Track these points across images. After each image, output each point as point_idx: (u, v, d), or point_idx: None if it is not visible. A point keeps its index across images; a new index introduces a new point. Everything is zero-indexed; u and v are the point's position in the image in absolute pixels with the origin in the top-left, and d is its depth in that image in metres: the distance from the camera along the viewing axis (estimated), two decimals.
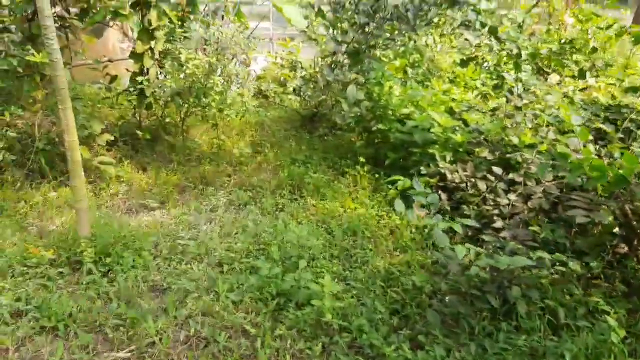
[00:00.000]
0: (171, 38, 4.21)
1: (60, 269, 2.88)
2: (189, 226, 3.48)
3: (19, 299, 2.61)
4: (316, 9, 5.08)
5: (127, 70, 4.87)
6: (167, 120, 4.79)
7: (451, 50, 5.54)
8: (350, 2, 3.29)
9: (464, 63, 5.55)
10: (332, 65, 3.99)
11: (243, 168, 4.28)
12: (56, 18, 4.31)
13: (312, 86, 4.38)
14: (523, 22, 5.68)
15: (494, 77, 5.47)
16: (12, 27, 4.28)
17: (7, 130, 3.93)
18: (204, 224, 3.51)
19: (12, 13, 4.22)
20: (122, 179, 4.11)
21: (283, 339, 2.39)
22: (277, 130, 4.97)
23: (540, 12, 6.15)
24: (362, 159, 3.87)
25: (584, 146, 2.48)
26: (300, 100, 5.47)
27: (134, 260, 2.93)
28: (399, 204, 2.85)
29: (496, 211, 2.84)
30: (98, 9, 3.91)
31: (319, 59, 4.70)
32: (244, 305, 2.59)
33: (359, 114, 3.70)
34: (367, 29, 3.31)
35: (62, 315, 2.49)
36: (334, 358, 2.27)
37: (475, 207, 2.95)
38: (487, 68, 5.60)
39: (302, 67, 5.09)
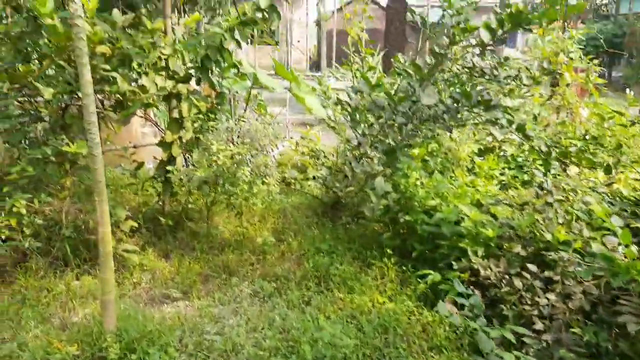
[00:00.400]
0: (200, 128, 4.34)
1: None
2: (213, 319, 3.40)
3: None
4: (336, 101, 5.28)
5: (154, 157, 4.98)
6: (190, 207, 4.82)
7: (469, 139, 5.64)
8: (388, 104, 3.39)
9: (482, 153, 5.64)
10: (357, 157, 4.05)
11: (267, 257, 4.24)
12: None
13: (337, 176, 4.43)
14: (539, 114, 5.83)
15: (511, 166, 5.54)
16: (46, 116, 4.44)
17: (34, 218, 3.96)
18: (229, 317, 3.43)
19: (48, 103, 4.38)
20: (145, 267, 4.08)
21: None
22: (299, 218, 4.97)
23: (553, 104, 6.31)
24: (389, 251, 3.84)
25: (627, 246, 2.45)
26: (321, 187, 5.53)
27: (159, 358, 2.84)
28: (443, 307, 2.78)
29: (535, 311, 2.76)
30: (132, 101, 4.05)
31: (343, 149, 4.79)
32: None
33: (386, 205, 3.70)
34: (404, 130, 3.39)
35: None
36: None
37: (514, 307, 2.88)
38: (505, 157, 5.67)
39: (325, 156, 5.18)
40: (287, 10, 24.59)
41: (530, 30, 2.92)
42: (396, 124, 3.57)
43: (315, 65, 26.86)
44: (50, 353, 2.85)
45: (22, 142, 4.38)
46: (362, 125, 4.10)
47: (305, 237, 4.52)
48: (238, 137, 4.21)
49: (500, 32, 2.92)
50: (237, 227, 4.60)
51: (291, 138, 6.14)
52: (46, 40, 3.76)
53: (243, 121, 4.14)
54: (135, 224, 4.34)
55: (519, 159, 5.49)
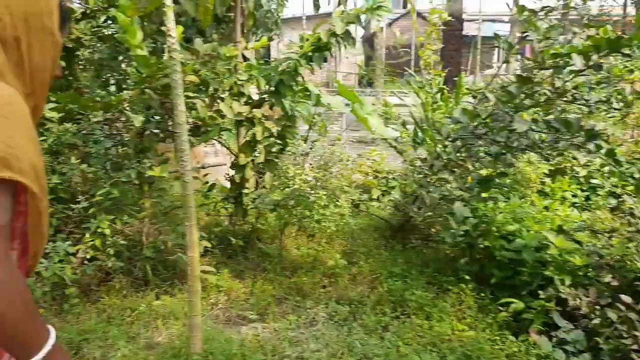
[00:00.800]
0: (272, 151, 4.43)
1: None
2: (292, 343, 3.42)
3: None
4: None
5: (225, 177, 5.12)
6: (261, 227, 4.91)
7: (539, 159, 5.51)
8: (485, 134, 3.37)
9: (553, 174, 5.50)
10: (433, 180, 4.03)
11: (338, 280, 4.25)
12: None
13: (408, 198, 4.42)
14: (612, 134, 5.64)
15: (584, 187, 5.36)
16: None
17: (117, 238, 4.12)
18: (307, 341, 3.45)
19: (129, 129, 4.58)
20: (220, 288, 4.16)
21: None
22: (367, 240, 4.97)
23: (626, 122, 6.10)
24: (466, 277, 3.78)
25: None
26: (387, 209, 5.51)
27: None
28: (545, 343, 2.71)
29: (635, 346, 2.64)
30: (210, 126, 4.18)
31: (412, 170, 4.77)
32: None
33: (464, 230, 3.66)
34: (501, 158, 3.35)
35: None
36: None
37: (609, 341, 2.77)
38: (576, 178, 5.51)
39: (394, 178, 5.18)
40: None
41: (629, 56, 2.83)
42: (478, 150, 3.54)
43: (363, 81, 26.93)
44: None
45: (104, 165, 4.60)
46: (438, 146, 4.07)
47: (376, 260, 4.51)
48: (309, 158, 4.26)
49: (595, 57, 2.85)
50: (308, 249, 4.64)
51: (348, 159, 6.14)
52: (134, 70, 3.94)
53: (316, 144, 4.19)
54: (209, 244, 4.45)
55: (594, 181, 5.32)
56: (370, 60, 26.55)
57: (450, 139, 3.70)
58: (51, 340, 0.99)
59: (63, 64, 4.64)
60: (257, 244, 4.85)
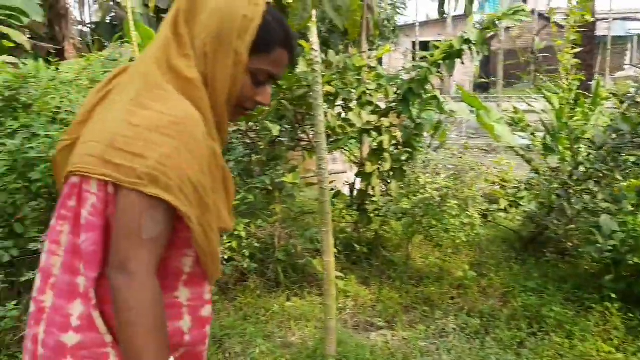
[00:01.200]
0: (400, 159, 4.44)
1: None
2: (423, 353, 3.40)
3: None
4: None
5: (344, 183, 5.22)
6: (386, 235, 4.94)
7: None
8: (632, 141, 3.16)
9: None
10: (570, 190, 3.81)
11: (467, 292, 4.15)
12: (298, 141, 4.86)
13: (545, 211, 4.21)
14: None
15: None
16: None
17: (252, 241, 4.36)
18: (438, 352, 3.41)
19: (261, 138, 4.84)
20: (348, 293, 4.24)
21: None
22: (496, 252, 4.80)
23: None
24: (612, 295, 3.51)
25: None
26: (516, 220, 5.29)
27: None
28: None
29: None
30: (338, 135, 4.29)
31: (546, 180, 4.54)
32: None
33: (612, 246, 3.41)
34: None
35: None
36: None
37: None
38: None
39: (525, 188, 4.96)
40: (451, 29, 24.29)
41: None
42: (627, 159, 3.29)
43: (479, 87, 26.03)
44: None
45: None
46: (581, 155, 3.84)
47: (507, 273, 4.34)
48: (437, 166, 4.22)
49: None
50: (435, 258, 4.58)
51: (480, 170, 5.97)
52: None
53: (447, 154, 4.15)
54: (335, 250, 4.56)
55: None
56: (487, 65, 25.65)
57: (600, 149, 3.46)
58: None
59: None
60: (381, 251, 4.88)
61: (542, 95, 6.15)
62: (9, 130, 3.24)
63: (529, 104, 6.65)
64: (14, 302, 2.77)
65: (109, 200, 1.04)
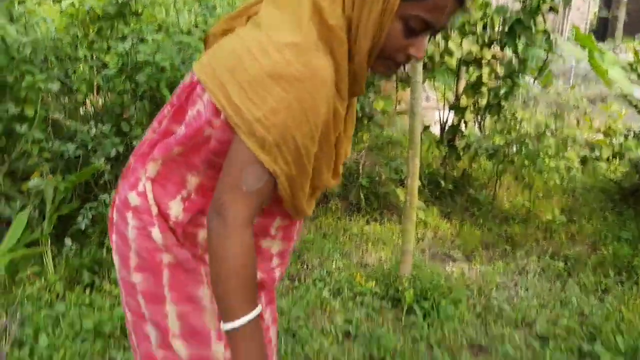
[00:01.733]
0: (498, 94, 4.24)
1: (382, 302, 3.05)
2: (499, 287, 3.36)
3: (350, 322, 2.82)
4: None
5: (435, 122, 5.09)
6: (473, 173, 4.82)
7: None
8: None
9: None
10: None
11: (554, 236, 4.00)
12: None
13: None
14: None
15: None
16: None
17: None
18: (515, 287, 3.36)
19: None
20: (428, 225, 4.24)
21: None
22: (592, 200, 4.55)
23: None
24: None
25: None
26: (616, 171, 4.94)
27: (451, 311, 2.93)
28: None
29: None
30: (437, 64, 4.15)
31: None
32: None
33: None
34: None
35: (388, 349, 2.60)
36: None
37: None
38: None
39: (635, 136, 4.59)
40: None
41: None
42: None
43: (597, 34, 23.84)
44: (353, 285, 3.19)
45: None
46: None
47: (600, 222, 4.12)
48: (538, 106, 3.99)
49: None
50: (525, 200, 4.43)
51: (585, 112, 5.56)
52: None
53: (548, 91, 3.90)
54: (419, 183, 4.53)
55: None
56: (608, 10, 23.33)
57: None
58: (252, 315, 1.00)
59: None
60: (467, 189, 4.78)
61: None
62: (120, 35, 3.45)
63: None
64: None
65: (215, 118, 1.01)
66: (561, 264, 3.61)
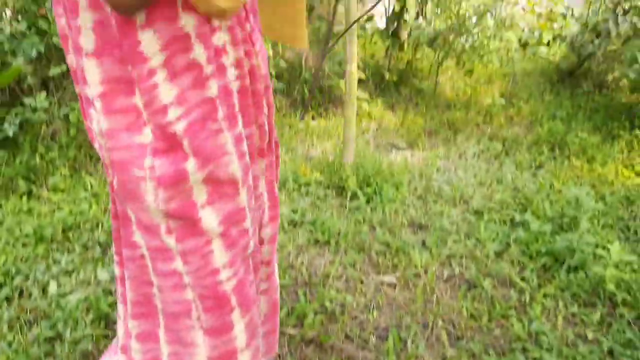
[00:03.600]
0: None
1: (327, 191, 3.11)
2: (440, 170, 3.47)
3: (295, 212, 2.89)
4: None
5: (385, 12, 4.96)
6: (417, 63, 4.79)
7: None
8: None
9: None
10: (623, 11, 3.51)
11: (494, 119, 4.10)
12: None
13: (590, 37, 3.94)
14: None
15: None
16: None
17: (279, 60, 4.31)
18: (455, 169, 3.47)
19: None
20: (372, 116, 4.26)
21: (554, 299, 2.26)
22: (531, 83, 4.63)
23: None
24: None
25: None
26: (556, 54, 5.02)
27: (392, 194, 3.02)
28: None
29: None
30: None
31: (596, 7, 4.19)
32: (508, 257, 2.51)
33: None
34: None
35: (333, 232, 2.68)
36: (616, 331, 2.08)
37: None
38: None
39: (572, 16, 4.61)
40: None
41: None
42: None
43: None
44: (298, 176, 3.22)
45: None
46: None
47: (538, 103, 4.23)
48: None
49: None
50: (465, 86, 4.47)
51: None
52: None
53: None
54: (363, 76, 4.49)
55: None
56: None
57: None
58: None
59: None
60: (411, 79, 4.78)
61: None
62: None
63: None
64: (44, 95, 2.88)
65: None
66: (499, 145, 3.73)
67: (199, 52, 1.02)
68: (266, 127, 1.29)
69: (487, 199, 3.01)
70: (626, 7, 3.45)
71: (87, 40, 0.98)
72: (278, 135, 3.92)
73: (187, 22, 0.99)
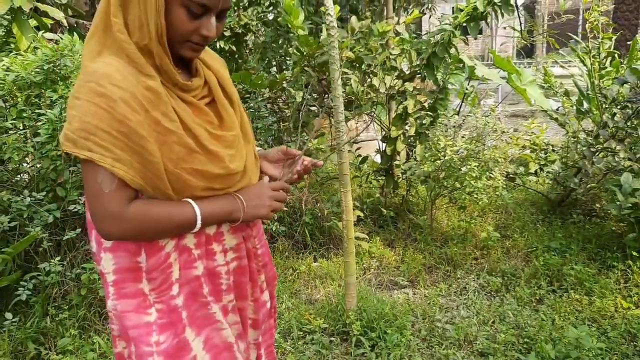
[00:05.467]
0: (423, 124, 4.49)
1: (332, 338, 3.14)
2: (442, 308, 3.52)
3: None
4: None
5: (376, 151, 5.30)
6: (411, 199, 5.02)
7: None
8: None
9: None
10: (596, 150, 3.78)
11: (491, 252, 4.21)
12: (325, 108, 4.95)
13: (569, 172, 4.19)
14: None
15: None
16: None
17: None
18: (457, 308, 3.52)
19: (289, 106, 4.96)
20: (372, 255, 4.38)
21: None
22: (523, 214, 4.81)
23: None
24: (634, 253, 3.52)
25: None
26: (546, 183, 5.27)
27: (397, 338, 3.05)
28: None
29: None
30: (363, 100, 4.37)
31: (574, 142, 4.50)
32: None
33: (634, 204, 3.40)
34: None
35: None
36: None
37: None
38: None
39: (553, 150, 4.92)
40: None
41: None
42: None
43: (522, 53, 25.19)
44: (303, 323, 3.27)
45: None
46: (605, 114, 3.79)
47: (532, 235, 4.37)
48: (461, 130, 4.24)
49: None
50: (459, 221, 4.65)
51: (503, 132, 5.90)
52: (294, 50, 4.27)
53: (469, 116, 4.17)
54: (362, 214, 4.69)
55: None
56: (531, 29, 24.73)
57: (618, 105, 3.42)
58: (197, 209, 1.23)
59: (233, 48, 5.17)
60: (407, 215, 4.97)
61: (577, 57, 6.00)
62: (49, 102, 3.48)
63: (564, 67, 6.49)
64: (58, 258, 3.03)
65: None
66: (499, 280, 3.81)
67: (189, 239, 1.30)
68: (263, 299, 1.47)
69: (491, 340, 3.03)
70: (598, 147, 3.73)
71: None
72: (281, 279, 4.03)
73: None
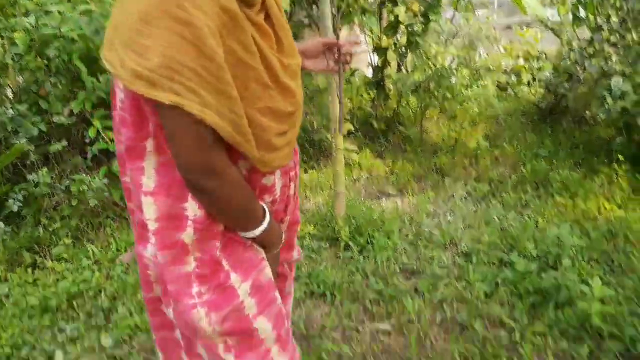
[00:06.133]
0: (415, 31, 4.36)
1: (321, 243, 3.22)
2: (429, 215, 3.58)
3: None
4: None
5: (368, 64, 5.19)
6: (402, 111, 4.98)
7: None
8: None
9: None
10: (589, 55, 3.71)
11: (480, 161, 4.24)
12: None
13: (561, 78, 4.13)
14: None
15: None
16: None
17: None
18: (444, 214, 3.59)
19: None
20: (362, 166, 4.41)
21: (543, 337, 2.33)
22: (513, 124, 4.81)
23: None
24: (620, 157, 3.55)
25: None
26: (539, 92, 5.22)
27: (384, 242, 3.12)
28: None
29: None
30: (352, 8, 4.21)
31: (567, 50, 4.40)
32: (498, 297, 2.59)
33: (623, 108, 3.38)
34: None
35: (328, 284, 2.77)
36: None
37: None
38: None
39: (546, 58, 4.83)
40: None
41: None
42: None
43: None
44: None
45: None
46: (599, 19, 3.69)
47: (521, 143, 4.38)
48: (454, 38, 4.14)
49: None
50: (449, 131, 4.64)
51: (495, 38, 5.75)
52: None
53: (464, 23, 4.05)
54: (352, 127, 4.66)
55: None
56: None
57: (613, 7, 3.31)
58: (268, 216, 1.13)
59: None
60: (397, 127, 4.96)
61: None
62: (23, 10, 3.34)
63: None
64: (45, 169, 3.03)
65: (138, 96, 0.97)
66: (486, 187, 3.86)
67: None
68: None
69: (476, 241, 3.11)
70: (591, 52, 3.65)
71: (148, 181, 1.07)
72: None
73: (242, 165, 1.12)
